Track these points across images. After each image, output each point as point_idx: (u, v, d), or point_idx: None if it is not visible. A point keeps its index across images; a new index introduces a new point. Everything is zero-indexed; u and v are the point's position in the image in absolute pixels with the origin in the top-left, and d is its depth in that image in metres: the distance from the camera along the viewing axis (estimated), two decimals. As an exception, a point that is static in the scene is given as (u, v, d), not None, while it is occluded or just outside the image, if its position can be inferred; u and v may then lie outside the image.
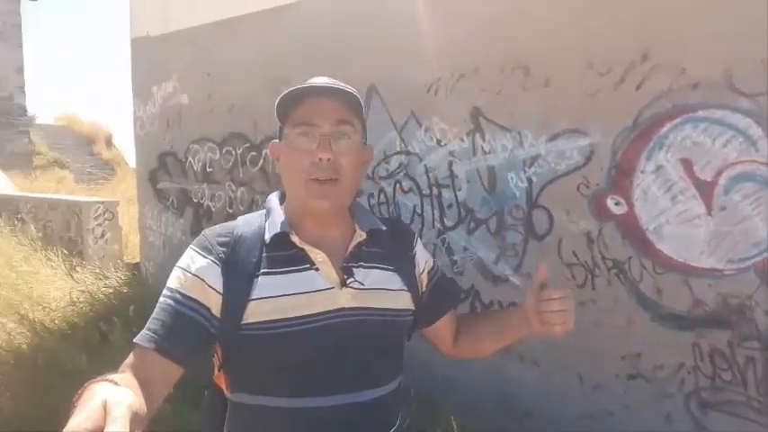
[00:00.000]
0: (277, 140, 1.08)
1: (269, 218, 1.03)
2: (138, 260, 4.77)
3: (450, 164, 2.72)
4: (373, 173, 3.03)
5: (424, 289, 1.16)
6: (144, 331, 0.92)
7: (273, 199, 1.08)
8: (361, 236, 1.05)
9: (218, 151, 3.94)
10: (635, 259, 2.10)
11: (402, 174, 2.93)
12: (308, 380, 0.96)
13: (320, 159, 0.97)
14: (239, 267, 0.96)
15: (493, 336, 1.20)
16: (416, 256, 1.16)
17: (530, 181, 2.44)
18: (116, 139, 18.43)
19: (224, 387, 1.03)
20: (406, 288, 1.08)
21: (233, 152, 3.83)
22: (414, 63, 2.85)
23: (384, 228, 1.11)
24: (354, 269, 1.02)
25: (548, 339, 2.31)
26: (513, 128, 2.48)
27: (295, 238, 0.99)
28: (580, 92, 2.22)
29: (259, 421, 0.98)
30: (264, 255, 0.98)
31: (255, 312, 0.93)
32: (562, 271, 2.31)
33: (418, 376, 2.62)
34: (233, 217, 3.43)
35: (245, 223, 1.04)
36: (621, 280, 2.14)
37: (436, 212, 2.80)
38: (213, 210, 4.01)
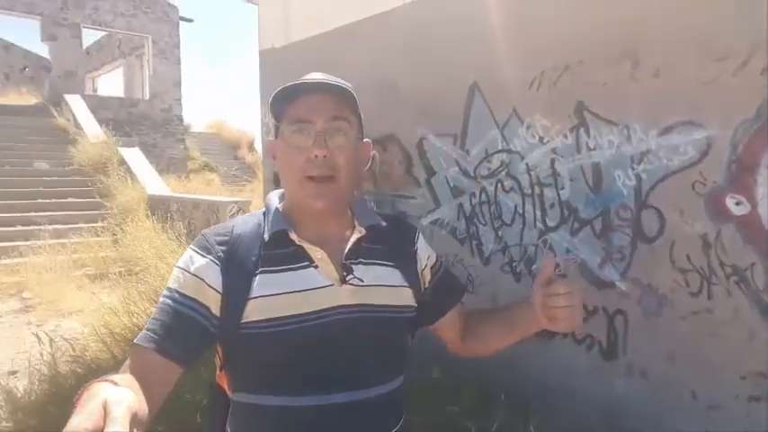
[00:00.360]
0: (273, 139, 1.08)
1: (267, 216, 1.05)
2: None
3: (553, 162, 2.61)
4: (475, 172, 3.00)
5: (426, 285, 1.16)
6: (143, 332, 0.93)
7: (273, 197, 1.10)
8: (360, 232, 1.06)
9: (331, 153, 4.13)
10: (758, 265, 1.85)
11: (504, 173, 2.86)
12: (308, 378, 0.96)
13: (315, 156, 0.98)
14: (238, 266, 0.97)
15: (501, 332, 1.18)
16: (418, 251, 1.16)
17: (638, 179, 2.25)
18: (256, 143, 20.07)
19: (226, 387, 1.05)
20: (407, 284, 1.07)
21: (344, 154, 3.99)
22: (516, 58, 2.77)
23: (384, 223, 1.10)
24: (354, 266, 1.02)
25: (658, 349, 2.14)
26: (620, 122, 2.31)
27: (294, 236, 1.00)
28: (694, 80, 2.01)
29: (259, 420, 0.99)
30: (263, 253, 0.99)
31: (255, 311, 0.94)
32: (674, 277, 2.11)
33: (512, 381, 2.56)
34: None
35: (244, 222, 1.06)
36: (742, 289, 1.90)
37: (538, 212, 2.70)
38: (327, 209, 4.21)
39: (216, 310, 0.94)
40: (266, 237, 1.00)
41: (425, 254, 1.17)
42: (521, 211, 2.78)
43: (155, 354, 0.89)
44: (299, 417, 0.95)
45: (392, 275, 1.06)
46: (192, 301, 0.94)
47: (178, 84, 17.12)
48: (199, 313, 0.93)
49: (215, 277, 0.95)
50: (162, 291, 0.97)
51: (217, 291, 0.94)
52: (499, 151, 2.88)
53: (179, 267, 0.98)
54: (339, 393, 0.96)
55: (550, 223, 2.63)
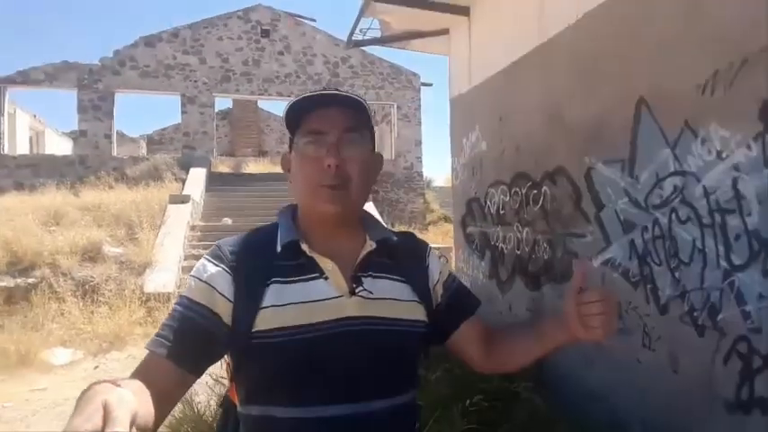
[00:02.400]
0: (288, 153, 1.09)
1: (280, 228, 1.05)
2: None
3: (735, 181, 2.04)
4: (646, 201, 2.52)
5: (439, 300, 1.12)
6: (153, 337, 0.94)
7: (285, 211, 1.10)
8: (371, 246, 1.04)
9: (507, 193, 3.95)
10: None
11: (678, 200, 2.34)
12: (315, 389, 0.94)
13: (329, 166, 0.98)
14: (250, 275, 0.98)
15: (529, 345, 1.10)
16: (430, 267, 1.12)
17: None
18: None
19: (236, 401, 1.04)
20: (417, 299, 1.05)
21: (519, 192, 3.77)
22: (684, 61, 2.30)
23: (395, 238, 1.08)
24: (363, 278, 1.01)
25: None
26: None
27: (305, 247, 1.00)
28: None
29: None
30: (275, 264, 0.99)
31: (264, 320, 0.94)
32: None
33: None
34: (521, 259, 3.43)
35: (258, 234, 1.08)
36: None
37: (720, 247, 2.11)
38: (505, 252, 4.00)
39: (227, 318, 0.95)
40: (278, 248, 1.01)
41: (437, 269, 1.14)
42: (700, 246, 2.22)
43: (162, 359, 0.90)
44: (307, 428, 0.94)
45: (402, 290, 1.05)
46: (201, 308, 0.95)
47: (419, 143, 18.49)
48: (209, 321, 0.94)
49: (227, 286, 0.96)
50: (176, 299, 1.02)
51: (228, 299, 0.95)
52: (671, 174, 2.38)
53: (192, 276, 0.99)
54: (346, 405, 0.94)
55: (737, 260, 2.04)
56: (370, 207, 10.82)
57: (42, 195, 10.59)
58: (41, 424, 3.78)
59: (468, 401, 2.48)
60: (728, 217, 2.08)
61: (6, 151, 14.96)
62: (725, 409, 2.09)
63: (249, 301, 0.95)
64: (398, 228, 14.07)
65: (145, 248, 7.93)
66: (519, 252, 3.79)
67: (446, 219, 18.21)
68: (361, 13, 4.99)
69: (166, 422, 2.86)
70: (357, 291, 0.99)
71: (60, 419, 3.85)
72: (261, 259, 1.00)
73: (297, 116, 1.03)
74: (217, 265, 0.99)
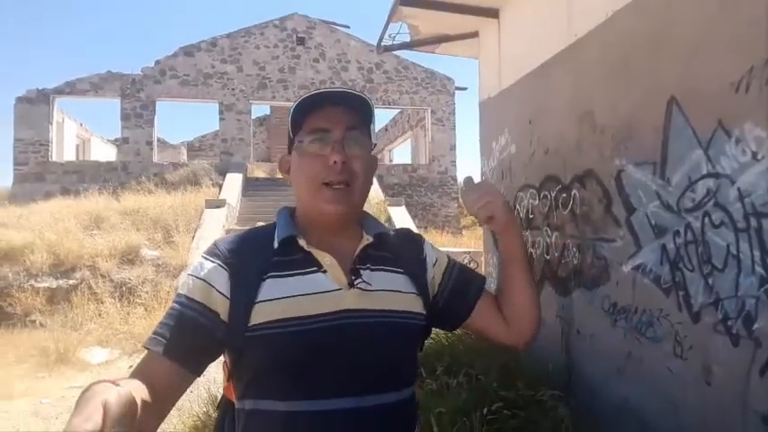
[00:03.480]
0: (287, 154, 1.11)
1: (278, 225, 1.05)
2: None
3: (772, 183, 1.93)
4: (678, 204, 2.42)
5: (436, 291, 1.12)
6: (151, 335, 0.94)
7: (283, 211, 1.10)
8: (368, 240, 1.04)
9: (536, 196, 3.87)
10: None
11: (711, 203, 2.23)
12: (311, 382, 0.94)
13: (334, 163, 0.98)
14: (247, 272, 0.98)
15: (508, 277, 1.13)
16: (427, 258, 1.13)
17: None
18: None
19: (233, 398, 1.03)
20: (416, 291, 1.05)
21: (548, 196, 3.69)
22: (717, 57, 2.20)
23: (392, 233, 1.10)
24: (362, 271, 1.01)
25: None
26: None
27: (302, 242, 1.00)
28: None
29: (263, 426, 0.96)
30: (273, 259, 0.99)
31: (261, 314, 0.94)
32: None
33: None
34: (550, 264, 3.36)
35: (256, 232, 1.08)
36: None
37: (756, 252, 2.01)
38: (534, 256, 3.91)
39: (224, 315, 0.95)
40: (275, 244, 1.01)
41: (432, 260, 1.14)
42: (734, 252, 2.11)
43: (160, 357, 0.90)
44: (303, 422, 0.93)
45: (401, 282, 1.05)
46: (198, 305, 0.94)
47: (453, 147, 18.43)
48: (206, 318, 0.94)
49: (223, 283, 0.96)
50: (173, 296, 1.01)
51: (225, 296, 0.95)
52: (704, 176, 2.28)
53: (190, 274, 0.99)
54: (343, 398, 0.93)
55: (774, 267, 1.93)
56: (402, 211, 10.82)
57: (86, 200, 10.99)
58: (75, 421, 3.89)
59: (486, 410, 2.42)
60: (765, 221, 1.97)
61: (54, 158, 15.60)
62: (761, 423, 1.98)
63: (245, 296, 0.95)
64: (432, 232, 14.04)
65: (180, 251, 8.13)
66: (548, 257, 3.70)
67: (480, 223, 18.04)
68: (390, 18, 4.99)
69: (190, 422, 2.91)
70: (356, 283, 0.98)
71: (93, 417, 3.96)
72: (258, 255, 1.00)
73: (299, 117, 1.04)
74: (213, 263, 0.99)
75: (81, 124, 20.05)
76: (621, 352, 2.82)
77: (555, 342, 3.54)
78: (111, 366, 5.33)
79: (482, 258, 6.07)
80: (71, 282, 7.11)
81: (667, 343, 2.47)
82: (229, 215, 10.85)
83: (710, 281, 2.23)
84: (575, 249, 3.34)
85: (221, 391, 1.15)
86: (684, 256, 2.39)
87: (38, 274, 7.20)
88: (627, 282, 2.79)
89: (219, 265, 0.98)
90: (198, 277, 0.98)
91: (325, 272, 0.98)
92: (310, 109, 1.03)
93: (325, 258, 0.99)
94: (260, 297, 0.94)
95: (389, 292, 1.02)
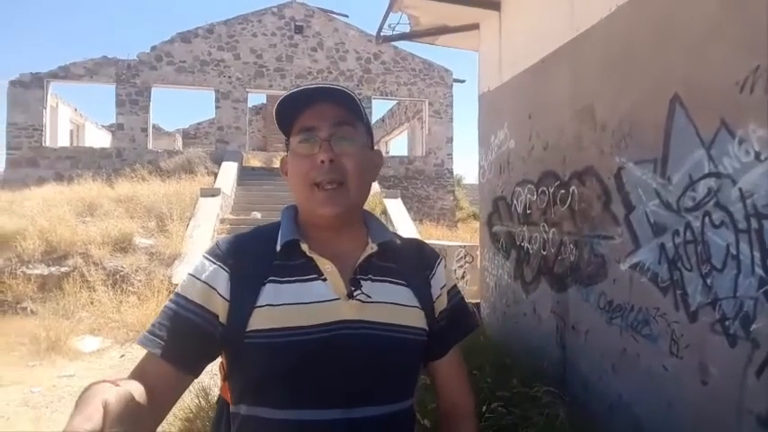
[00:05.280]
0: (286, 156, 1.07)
1: (281, 227, 1.03)
2: (477, 300, 5.01)
3: (774, 184, 1.92)
4: (678, 204, 2.40)
5: (437, 315, 1.07)
6: (150, 335, 0.93)
7: (288, 210, 1.07)
8: (372, 248, 1.01)
9: (534, 192, 3.85)
10: None
11: (712, 203, 2.22)
12: (307, 392, 0.92)
13: (322, 162, 0.95)
14: (248, 275, 0.96)
15: None
16: (434, 278, 1.08)
17: None
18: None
19: (229, 398, 1.02)
20: (419, 305, 1.02)
21: (546, 191, 3.67)
22: (721, 55, 2.18)
23: (398, 242, 1.06)
24: (363, 281, 0.98)
25: None
26: None
27: (305, 247, 0.97)
28: None
29: None
30: (274, 263, 0.97)
31: (259, 320, 0.93)
32: None
33: None
34: (546, 260, 3.34)
35: (260, 232, 1.06)
36: None
37: (756, 253, 1.99)
38: (531, 252, 3.89)
39: (223, 317, 0.94)
40: (278, 247, 0.99)
41: (440, 283, 1.09)
42: (734, 253, 2.10)
43: (158, 358, 0.90)
44: (294, 431, 0.92)
45: (403, 294, 1.01)
46: (197, 307, 0.94)
47: (450, 140, 18.37)
48: (205, 320, 0.93)
49: (224, 285, 0.95)
50: (171, 296, 0.98)
51: (225, 298, 0.94)
52: (706, 176, 2.26)
53: (190, 274, 0.98)
54: (336, 410, 0.92)
55: (774, 268, 1.91)
56: (397, 203, 10.80)
57: (79, 186, 10.90)
58: (66, 410, 3.87)
59: (483, 408, 2.41)
60: (766, 222, 1.96)
61: (48, 143, 15.46)
62: (756, 423, 1.97)
63: (245, 299, 0.94)
64: (427, 225, 14.02)
65: (174, 240, 8.08)
66: (545, 253, 3.68)
67: (475, 216, 18.05)
68: (390, 8, 4.94)
69: (182, 415, 2.89)
70: (355, 294, 0.96)
71: (85, 406, 3.93)
72: (260, 258, 0.98)
73: (288, 119, 1.01)
74: (214, 263, 0.97)
75: (75, 109, 19.87)
76: (617, 349, 2.81)
77: (550, 338, 3.54)
78: (104, 355, 5.29)
79: (477, 252, 6.07)
80: (63, 269, 7.05)
81: (663, 341, 2.47)
82: (224, 204, 10.79)
83: (709, 281, 2.22)
84: (572, 246, 3.33)
85: (212, 381, 1.13)
86: (683, 255, 2.37)
87: (30, 261, 7.14)
88: (624, 279, 2.78)
89: (220, 266, 0.97)
90: (199, 279, 0.96)
91: (324, 280, 0.96)
92: (301, 107, 1.00)
93: (326, 266, 0.97)
94: (259, 302, 0.93)
95: (390, 304, 0.99)
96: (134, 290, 6.70)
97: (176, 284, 6.12)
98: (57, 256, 7.31)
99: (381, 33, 5.45)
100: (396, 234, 1.10)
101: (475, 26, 5.02)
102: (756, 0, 2.03)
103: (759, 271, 1.98)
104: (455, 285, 1.12)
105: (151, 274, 7.09)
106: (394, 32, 5.51)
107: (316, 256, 0.97)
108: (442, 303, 1.08)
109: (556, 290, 3.53)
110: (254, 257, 0.98)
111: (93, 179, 11.91)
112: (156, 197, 9.89)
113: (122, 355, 5.30)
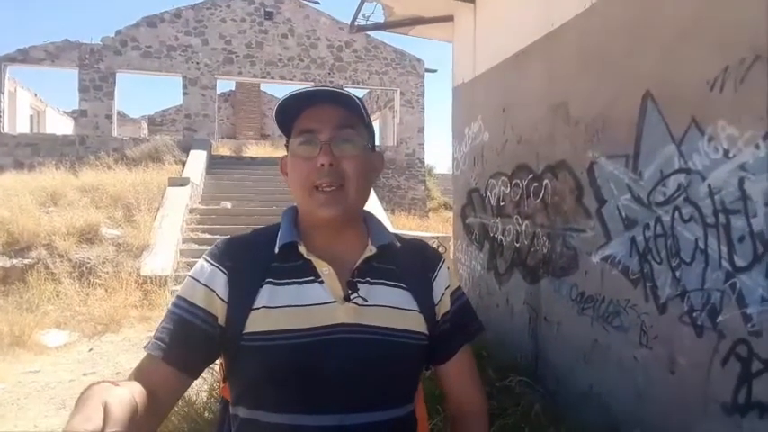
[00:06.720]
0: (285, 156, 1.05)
1: (281, 229, 1.02)
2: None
3: (741, 181, 1.99)
4: (649, 198, 2.47)
5: (439, 318, 1.04)
6: (152, 339, 0.93)
7: (288, 212, 1.07)
8: (371, 251, 1.00)
9: (508, 184, 3.89)
10: None
11: (681, 198, 2.29)
12: (302, 396, 0.91)
13: (322, 165, 0.94)
14: (246, 276, 0.96)
15: None
16: (436, 280, 1.05)
17: None
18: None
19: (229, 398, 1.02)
20: (418, 309, 1.00)
21: (520, 184, 3.72)
22: (693, 54, 2.24)
23: (398, 244, 1.04)
24: (360, 284, 0.97)
25: None
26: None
27: (302, 249, 0.97)
28: None
29: None
30: (272, 265, 0.97)
31: (256, 322, 0.92)
32: None
33: None
34: (519, 252, 3.37)
35: (258, 234, 1.05)
36: None
37: (723, 248, 2.07)
38: (504, 244, 3.95)
39: (222, 319, 0.94)
40: (276, 249, 0.98)
41: (443, 285, 1.06)
42: (702, 247, 2.17)
43: (160, 361, 0.90)
44: None
45: (403, 298, 0.99)
46: (198, 309, 0.94)
47: (422, 130, 18.37)
48: (206, 323, 0.93)
49: (222, 286, 0.95)
50: (172, 299, 0.98)
51: (223, 300, 0.94)
52: (676, 171, 2.32)
53: (190, 276, 0.98)
54: (334, 415, 0.91)
55: (740, 262, 1.99)
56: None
57: (41, 175, 10.53)
58: (33, 407, 3.77)
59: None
60: (733, 218, 2.03)
61: (6, 130, 14.88)
62: (722, 411, 2.06)
63: (242, 301, 0.93)
64: (399, 215, 14.03)
65: (142, 231, 7.89)
66: (518, 245, 3.74)
67: (446, 206, 18.16)
68: (365, -2, 4.90)
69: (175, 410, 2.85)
70: (352, 297, 0.95)
71: (52, 403, 3.84)
72: (258, 260, 0.97)
73: (290, 118, 1.00)
74: (213, 265, 0.97)
75: (35, 95, 19.15)
76: (588, 340, 2.89)
77: (522, 329, 3.61)
78: (71, 349, 5.15)
79: (450, 243, 6.12)
80: (26, 261, 6.81)
81: (633, 332, 2.54)
82: (193, 194, 10.58)
83: (678, 273, 2.29)
84: (545, 238, 3.39)
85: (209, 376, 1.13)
86: (653, 248, 2.44)
87: (-10, 253, 6.89)
88: (595, 272, 2.85)
89: (219, 268, 0.96)
90: (199, 281, 0.96)
91: (322, 282, 0.95)
92: (299, 109, 0.99)
93: (324, 268, 0.96)
94: (256, 304, 0.93)
95: (388, 308, 0.97)
96: (101, 282, 6.53)
97: (145, 276, 5.98)
98: (19, 248, 7.05)
99: (356, 23, 5.40)
100: (398, 235, 1.09)
101: (449, 18, 5.02)
102: (728, 2, 2.09)
103: (726, 264, 2.05)
104: (459, 287, 1.10)
105: (119, 266, 6.92)
106: (368, 22, 5.47)
107: (314, 258, 0.96)
108: (445, 306, 1.05)
109: (528, 281, 3.60)
110: (252, 259, 0.98)
111: (56, 167, 11.51)
112: (123, 186, 9.62)
113: (90, 349, 5.17)
